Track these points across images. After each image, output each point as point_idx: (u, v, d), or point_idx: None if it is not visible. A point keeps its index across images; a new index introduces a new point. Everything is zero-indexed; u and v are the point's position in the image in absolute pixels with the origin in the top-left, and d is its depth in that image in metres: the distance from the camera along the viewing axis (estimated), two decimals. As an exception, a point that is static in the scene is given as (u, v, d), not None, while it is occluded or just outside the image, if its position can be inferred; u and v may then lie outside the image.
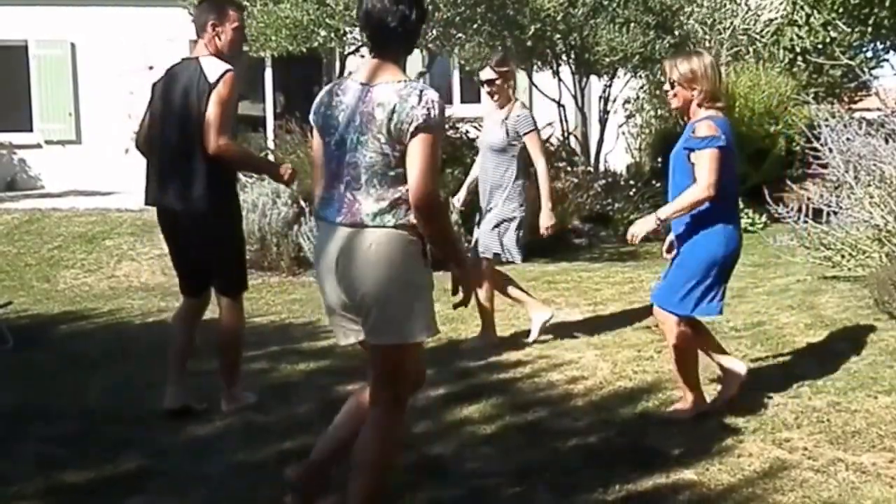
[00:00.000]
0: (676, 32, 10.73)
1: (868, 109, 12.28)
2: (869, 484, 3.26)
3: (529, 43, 9.70)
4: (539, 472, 3.40)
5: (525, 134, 5.14)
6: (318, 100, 2.81)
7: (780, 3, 12.51)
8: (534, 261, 7.66)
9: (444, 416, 4.09)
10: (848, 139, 6.83)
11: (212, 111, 3.78)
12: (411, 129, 2.61)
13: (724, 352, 4.20)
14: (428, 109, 2.62)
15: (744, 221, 10.01)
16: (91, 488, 3.35)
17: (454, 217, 8.14)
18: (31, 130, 13.36)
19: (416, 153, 2.62)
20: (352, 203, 2.67)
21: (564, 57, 10.77)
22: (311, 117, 2.81)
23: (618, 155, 12.39)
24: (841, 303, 6.05)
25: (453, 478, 3.41)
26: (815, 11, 13.17)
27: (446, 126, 9.79)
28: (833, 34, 13.18)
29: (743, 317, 5.78)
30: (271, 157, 9.78)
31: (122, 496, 3.29)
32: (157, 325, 6.24)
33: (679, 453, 3.58)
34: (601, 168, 11.44)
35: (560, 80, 11.18)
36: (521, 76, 11.24)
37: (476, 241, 5.30)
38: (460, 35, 9.42)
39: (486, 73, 5.21)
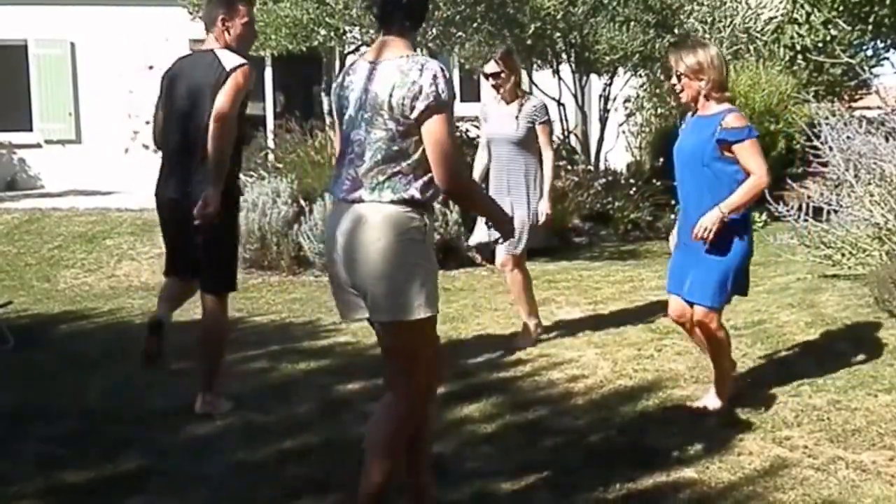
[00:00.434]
0: (676, 31, 10.71)
1: (868, 108, 12.26)
2: (869, 482, 3.26)
3: (529, 41, 9.68)
4: (539, 471, 3.40)
5: (540, 123, 5.15)
6: (335, 82, 2.83)
7: (781, 2, 12.50)
8: (534, 259, 7.64)
9: (444, 414, 4.09)
10: (848, 137, 6.82)
11: (223, 97, 3.76)
12: (418, 107, 2.57)
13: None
14: (435, 86, 2.57)
15: (744, 220, 10.07)
16: (91, 488, 3.35)
17: (454, 216, 8.16)
18: (30, 130, 13.36)
19: (434, 135, 2.58)
20: (354, 179, 2.66)
21: (564, 55, 10.76)
22: (331, 99, 2.80)
23: (618, 154, 12.37)
24: (841, 301, 6.04)
25: (453, 477, 3.40)
26: (816, 10, 13.17)
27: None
28: (833, 32, 13.18)
29: (743, 315, 5.77)
30: (271, 157, 9.79)
31: (122, 496, 3.29)
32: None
33: (679, 452, 3.58)
34: (601, 167, 11.43)
35: (560, 78, 11.17)
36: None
37: (492, 238, 5.12)
38: (460, 34, 9.42)
39: (491, 67, 5.20)
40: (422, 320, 2.67)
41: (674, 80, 3.89)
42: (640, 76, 11.60)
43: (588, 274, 7.72)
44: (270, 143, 11.22)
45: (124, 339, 5.79)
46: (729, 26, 11.77)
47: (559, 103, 11.24)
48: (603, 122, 11.58)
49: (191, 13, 9.65)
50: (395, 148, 2.62)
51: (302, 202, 8.20)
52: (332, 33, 8.84)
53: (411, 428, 2.81)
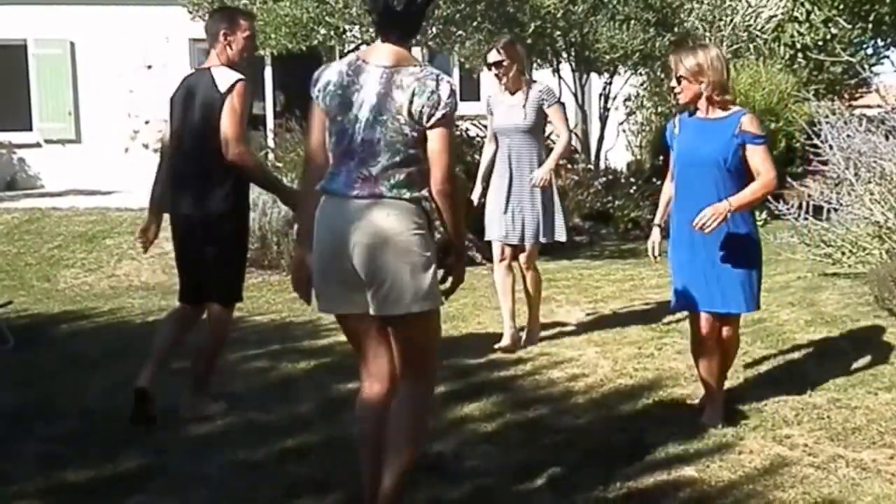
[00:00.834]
0: (676, 29, 10.71)
1: (868, 106, 12.26)
2: (869, 480, 3.26)
3: (529, 40, 9.68)
4: (539, 470, 3.40)
5: (550, 106, 5.12)
6: (323, 79, 2.82)
7: (781, 0, 12.50)
8: (534, 258, 7.65)
9: (445, 413, 4.09)
10: (848, 136, 6.82)
11: (226, 121, 3.86)
12: (436, 115, 2.71)
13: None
14: (452, 98, 2.73)
15: (744, 218, 10.06)
16: (91, 487, 3.35)
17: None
18: (30, 130, 13.35)
19: (441, 142, 2.74)
20: (368, 178, 2.72)
21: (564, 54, 10.76)
22: (316, 94, 2.81)
23: (618, 152, 12.38)
24: (841, 300, 6.04)
25: (454, 476, 3.41)
26: (816, 8, 13.17)
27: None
28: (834, 31, 13.18)
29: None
30: (271, 156, 9.79)
31: (122, 495, 3.29)
32: (157, 324, 6.24)
33: (680, 450, 3.58)
34: (601, 166, 11.43)
35: (560, 77, 11.17)
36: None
37: (505, 230, 5.14)
38: (460, 32, 9.42)
39: (493, 56, 5.12)
40: (437, 310, 2.81)
41: (673, 82, 3.86)
42: (641, 75, 11.61)
43: (588, 273, 7.73)
44: (270, 143, 11.23)
45: (125, 339, 5.79)
46: (729, 25, 11.77)
47: (559, 102, 11.24)
48: (603, 120, 11.58)
49: (191, 12, 9.66)
50: (412, 151, 2.73)
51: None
52: (332, 32, 8.85)
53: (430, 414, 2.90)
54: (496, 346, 5.12)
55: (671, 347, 5.06)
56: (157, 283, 7.95)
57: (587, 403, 4.22)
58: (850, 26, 13.16)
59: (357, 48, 9.45)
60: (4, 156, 13.24)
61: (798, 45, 13.19)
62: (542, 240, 5.17)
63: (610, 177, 10.86)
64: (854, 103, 13.77)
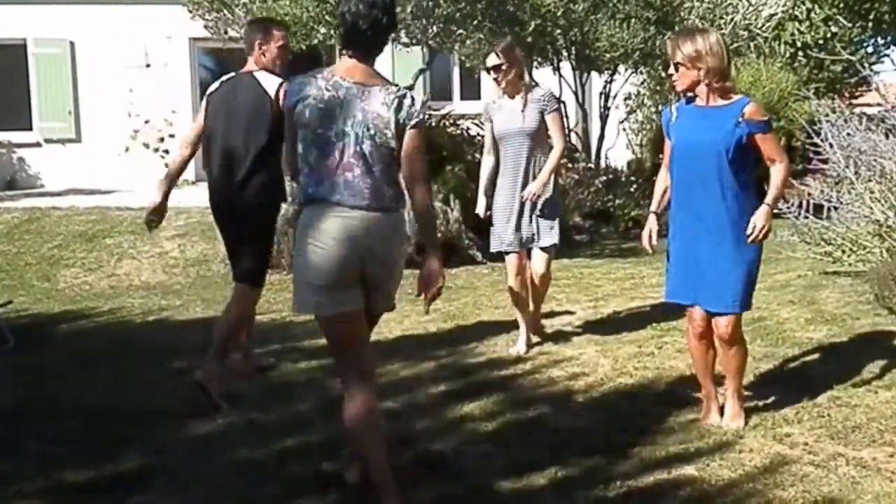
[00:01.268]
0: (677, 28, 10.68)
1: (868, 105, 12.24)
2: (869, 478, 3.26)
3: (530, 39, 9.66)
4: (540, 469, 3.40)
5: (550, 112, 5.07)
6: (297, 91, 2.99)
7: (781, -1, 12.49)
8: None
9: (445, 412, 4.09)
10: (848, 134, 6.82)
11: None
12: (411, 124, 2.98)
13: None
14: (422, 112, 3.02)
15: (744, 217, 10.06)
16: (92, 487, 3.35)
17: (455, 215, 8.16)
18: (30, 129, 13.34)
19: (417, 149, 3.00)
20: (371, 188, 2.95)
21: (565, 53, 10.75)
22: (290, 106, 3.00)
23: (619, 151, 12.37)
24: (841, 298, 6.05)
25: (454, 474, 3.41)
26: (816, 6, 13.18)
27: (446, 123, 9.83)
28: (834, 29, 13.18)
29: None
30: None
31: (122, 495, 3.29)
32: (157, 323, 6.24)
33: (680, 449, 3.58)
34: (602, 164, 11.43)
35: (560, 76, 11.16)
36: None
37: (516, 237, 5.03)
38: (461, 31, 9.40)
39: (492, 59, 5.05)
40: None
41: (671, 69, 3.73)
42: (641, 73, 11.59)
43: (589, 271, 7.72)
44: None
45: (125, 339, 5.80)
46: (730, 23, 11.75)
47: (559, 101, 11.23)
48: (603, 119, 11.57)
49: (190, 11, 9.65)
50: (394, 164, 3.00)
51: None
52: (332, 31, 8.83)
53: None
54: (511, 351, 5.09)
55: (671, 346, 5.06)
56: (158, 282, 7.95)
57: (587, 402, 4.22)
58: (850, 25, 13.15)
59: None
60: (4, 155, 13.23)
61: (798, 44, 13.19)
62: (548, 245, 5.08)
63: (610, 175, 10.86)
64: (854, 102, 13.76)
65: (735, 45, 11.94)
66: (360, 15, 2.96)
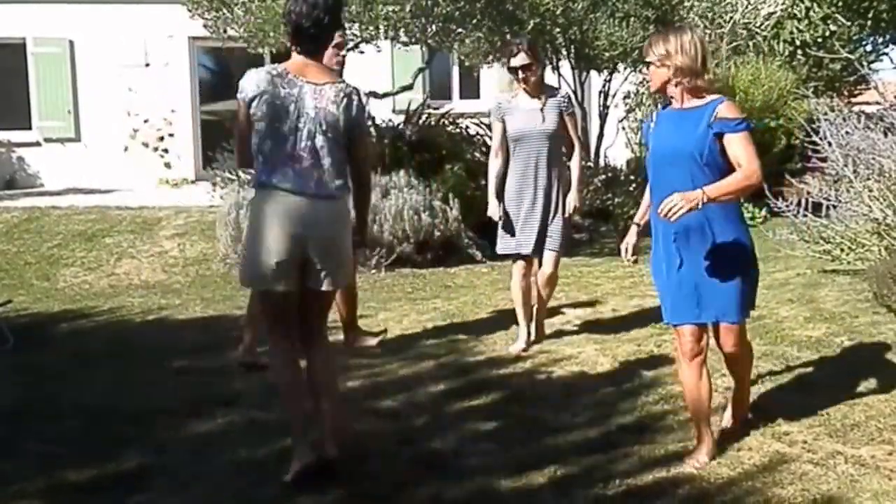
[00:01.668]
0: (677, 27, 10.68)
1: (867, 103, 12.25)
2: (868, 476, 3.27)
3: (529, 37, 9.67)
4: (539, 468, 3.40)
5: (568, 114, 5.03)
6: (255, 86, 3.24)
7: (780, -3, 12.49)
8: (534, 256, 7.66)
9: (444, 411, 4.10)
10: (847, 133, 6.83)
11: None
12: (359, 124, 3.36)
13: None
14: (368, 108, 3.43)
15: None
16: (92, 487, 3.36)
17: (454, 213, 8.17)
18: (29, 128, 13.34)
19: (366, 144, 3.48)
20: (321, 179, 3.27)
21: (564, 52, 10.75)
22: (248, 100, 3.24)
23: (618, 150, 12.36)
24: (840, 296, 6.05)
25: (453, 473, 3.41)
26: (815, 5, 13.17)
27: (446, 122, 9.83)
28: (833, 28, 13.18)
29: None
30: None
31: (123, 494, 3.29)
32: (157, 322, 6.25)
33: (679, 448, 3.58)
34: (601, 163, 11.42)
35: (560, 74, 11.15)
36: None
37: (527, 240, 4.98)
38: (460, 30, 9.39)
39: (521, 59, 4.87)
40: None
41: (646, 69, 3.55)
42: (640, 72, 11.58)
43: (588, 270, 7.73)
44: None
45: (125, 338, 5.80)
46: (729, 22, 11.76)
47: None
48: (603, 118, 11.57)
49: (190, 10, 9.62)
50: (343, 156, 3.32)
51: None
52: (331, 30, 8.82)
53: None
54: (510, 350, 5.09)
55: (670, 344, 5.06)
56: (157, 281, 7.96)
57: (587, 401, 4.23)
58: (848, 23, 13.15)
59: (356, 46, 9.44)
60: (4, 154, 13.23)
61: (797, 42, 13.19)
62: (555, 246, 5.06)
63: (609, 174, 10.85)
64: (853, 100, 13.76)
65: (734, 43, 11.97)
66: (303, 14, 3.24)
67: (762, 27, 12.35)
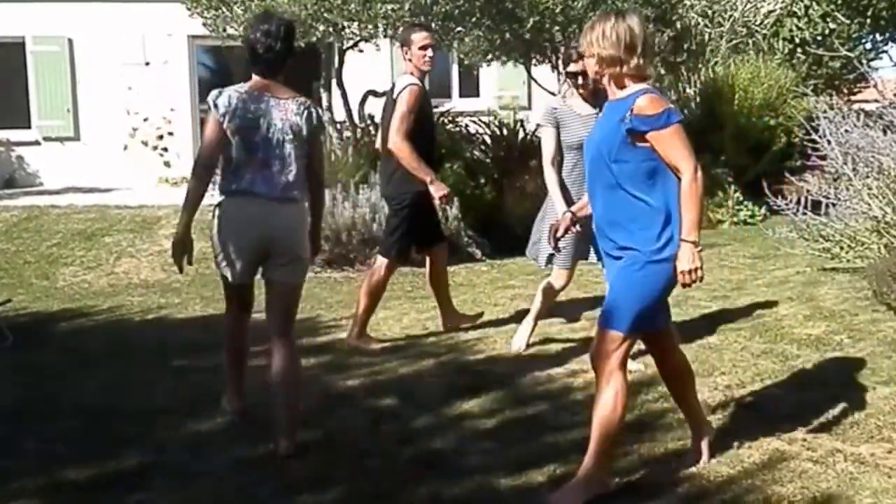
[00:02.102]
0: (677, 25, 10.70)
1: (866, 101, 12.25)
2: (867, 474, 3.27)
3: (528, 36, 9.67)
4: (539, 466, 3.40)
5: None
6: (227, 103, 3.57)
7: (780, -5, 12.49)
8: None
9: (444, 410, 4.10)
10: (846, 131, 6.83)
11: (395, 116, 4.93)
12: (316, 133, 3.73)
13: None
14: (322, 119, 3.80)
15: (743, 214, 10.07)
16: (93, 485, 3.36)
17: (454, 212, 8.16)
18: (29, 127, 13.33)
19: (321, 151, 3.84)
20: (287, 184, 3.63)
21: (563, 50, 10.74)
22: (224, 115, 3.55)
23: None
24: (840, 294, 6.06)
25: (453, 472, 3.41)
26: (815, 3, 13.17)
27: (445, 121, 9.82)
28: (832, 26, 13.17)
29: (742, 308, 5.79)
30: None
31: (123, 493, 3.29)
32: (157, 321, 6.25)
33: (678, 445, 3.59)
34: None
35: (559, 73, 11.16)
36: (520, 70, 11.24)
37: (576, 252, 4.83)
38: (459, 29, 9.39)
39: (577, 65, 4.60)
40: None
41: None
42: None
43: (588, 269, 7.69)
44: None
45: (124, 337, 5.80)
46: (728, 20, 11.76)
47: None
48: (602, 116, 11.56)
49: (189, 9, 9.62)
50: (303, 163, 3.67)
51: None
52: (331, 29, 8.82)
53: None
54: (510, 348, 5.09)
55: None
56: (157, 280, 7.95)
57: (586, 399, 4.21)
58: (848, 21, 13.15)
59: (356, 45, 9.44)
60: (3, 153, 13.22)
61: (797, 40, 13.18)
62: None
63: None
64: (852, 98, 13.77)
65: (734, 41, 11.97)
66: (257, 41, 3.59)
67: (762, 25, 12.36)
